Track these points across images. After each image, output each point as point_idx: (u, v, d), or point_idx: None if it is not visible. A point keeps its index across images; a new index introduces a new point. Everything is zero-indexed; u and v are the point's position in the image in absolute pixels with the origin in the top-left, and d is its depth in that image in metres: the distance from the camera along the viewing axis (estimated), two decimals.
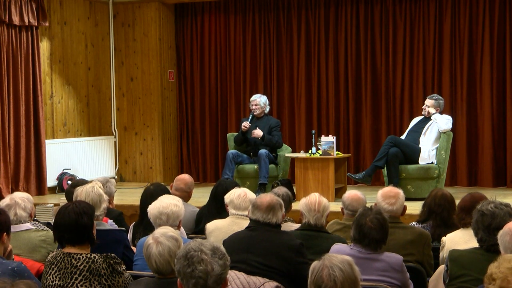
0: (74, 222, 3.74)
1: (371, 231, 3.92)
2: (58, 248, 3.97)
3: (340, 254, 2.84)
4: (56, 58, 10.11)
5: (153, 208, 4.45)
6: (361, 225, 3.94)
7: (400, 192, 4.83)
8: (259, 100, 9.22)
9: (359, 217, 3.99)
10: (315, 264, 2.75)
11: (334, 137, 8.43)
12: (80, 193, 4.68)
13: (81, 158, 10.29)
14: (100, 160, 10.69)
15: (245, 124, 9.07)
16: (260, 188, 8.48)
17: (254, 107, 9.19)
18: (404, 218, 5.14)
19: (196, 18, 11.15)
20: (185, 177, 6.33)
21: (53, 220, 5.48)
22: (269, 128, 9.13)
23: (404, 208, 4.81)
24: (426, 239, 4.59)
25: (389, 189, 4.85)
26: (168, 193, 5.36)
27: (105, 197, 4.78)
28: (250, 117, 9.16)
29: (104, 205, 4.73)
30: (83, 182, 5.39)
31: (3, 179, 9.12)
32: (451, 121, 8.58)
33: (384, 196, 4.76)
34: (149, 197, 5.07)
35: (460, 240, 4.38)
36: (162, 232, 3.41)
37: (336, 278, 2.67)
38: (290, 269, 4.08)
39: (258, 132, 8.97)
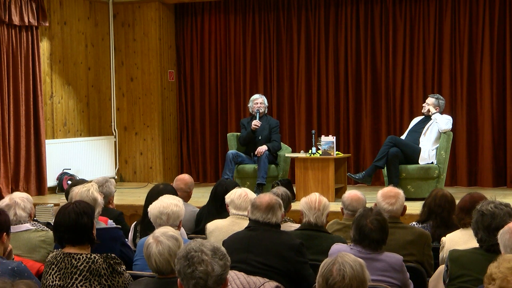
0: (74, 222, 3.74)
1: (371, 232, 3.92)
2: (55, 248, 3.97)
3: None
4: (56, 58, 10.11)
5: (154, 208, 4.45)
6: (361, 226, 3.94)
7: (400, 192, 4.83)
8: (262, 99, 9.26)
9: (359, 218, 3.99)
10: (326, 260, 2.79)
11: (334, 137, 8.43)
12: (75, 195, 4.63)
13: (81, 158, 10.29)
14: (100, 160, 10.69)
15: (256, 123, 9.04)
16: (258, 189, 8.47)
17: (259, 105, 9.19)
18: (404, 218, 5.14)
19: (196, 18, 11.15)
20: (185, 177, 6.33)
21: (53, 220, 5.47)
22: (269, 128, 9.13)
23: (404, 208, 4.81)
24: (426, 239, 4.59)
25: (389, 189, 4.85)
26: (175, 195, 5.33)
27: (100, 200, 4.71)
28: (257, 115, 9.14)
29: (99, 209, 4.67)
30: (83, 182, 5.38)
31: (3, 179, 9.12)
32: (451, 121, 8.59)
33: (384, 196, 4.76)
34: (155, 195, 5.03)
35: (460, 240, 4.38)
36: (163, 231, 3.41)
37: (346, 274, 2.70)
38: (290, 268, 4.08)
39: (262, 149, 8.90)
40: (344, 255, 2.78)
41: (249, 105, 9.40)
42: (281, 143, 9.29)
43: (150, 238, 3.39)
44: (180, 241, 3.38)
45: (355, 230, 3.97)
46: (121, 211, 5.94)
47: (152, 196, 5.04)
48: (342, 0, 10.35)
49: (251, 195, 5.07)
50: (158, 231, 3.42)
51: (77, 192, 4.66)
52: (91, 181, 5.06)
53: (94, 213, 3.96)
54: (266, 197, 4.28)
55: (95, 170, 10.28)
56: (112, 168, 10.98)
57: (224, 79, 11.06)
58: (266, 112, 9.32)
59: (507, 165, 9.68)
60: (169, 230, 3.46)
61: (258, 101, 9.22)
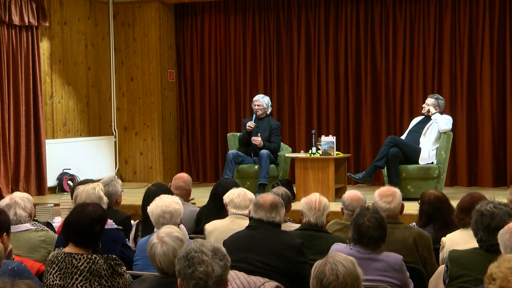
0: (87, 228, 3.74)
1: (370, 230, 3.93)
2: (56, 248, 3.96)
3: None
4: (56, 58, 10.11)
5: (156, 208, 4.44)
6: (359, 225, 3.95)
7: (396, 190, 4.82)
8: (262, 101, 9.18)
9: (356, 217, 4.00)
10: (318, 261, 2.80)
11: (334, 137, 8.43)
12: (81, 192, 4.66)
13: (81, 158, 10.29)
14: (100, 160, 10.69)
15: (250, 124, 9.03)
16: (260, 188, 8.48)
17: (256, 107, 9.16)
18: (404, 219, 5.14)
19: (196, 18, 11.15)
20: (183, 175, 6.35)
21: (53, 220, 5.44)
22: (269, 130, 9.11)
23: (402, 206, 4.80)
24: (426, 239, 4.59)
25: (386, 189, 4.85)
26: (170, 193, 5.35)
27: (105, 199, 4.76)
28: (254, 117, 9.14)
29: (103, 207, 4.70)
30: (90, 182, 5.37)
31: (3, 179, 9.12)
32: (451, 121, 8.58)
33: (381, 195, 4.76)
34: (151, 197, 5.04)
35: (460, 240, 4.38)
36: (167, 232, 3.40)
37: (339, 272, 2.71)
38: (290, 268, 4.08)
39: (258, 140, 8.93)
40: (334, 254, 2.79)
41: (251, 105, 9.39)
42: (281, 143, 9.28)
43: (154, 238, 3.38)
44: (184, 242, 3.37)
45: (354, 229, 3.99)
46: (129, 214, 5.91)
47: (153, 197, 5.00)
48: (342, 0, 10.35)
49: (250, 194, 5.11)
50: (163, 231, 3.42)
51: (83, 190, 4.67)
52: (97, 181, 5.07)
53: (106, 221, 3.96)
54: (269, 196, 4.29)
55: (95, 170, 10.28)
56: (112, 168, 10.98)
57: (224, 79, 11.06)
58: (268, 112, 9.28)
59: (507, 165, 9.68)
60: (174, 230, 3.45)
61: (256, 103, 9.18)
